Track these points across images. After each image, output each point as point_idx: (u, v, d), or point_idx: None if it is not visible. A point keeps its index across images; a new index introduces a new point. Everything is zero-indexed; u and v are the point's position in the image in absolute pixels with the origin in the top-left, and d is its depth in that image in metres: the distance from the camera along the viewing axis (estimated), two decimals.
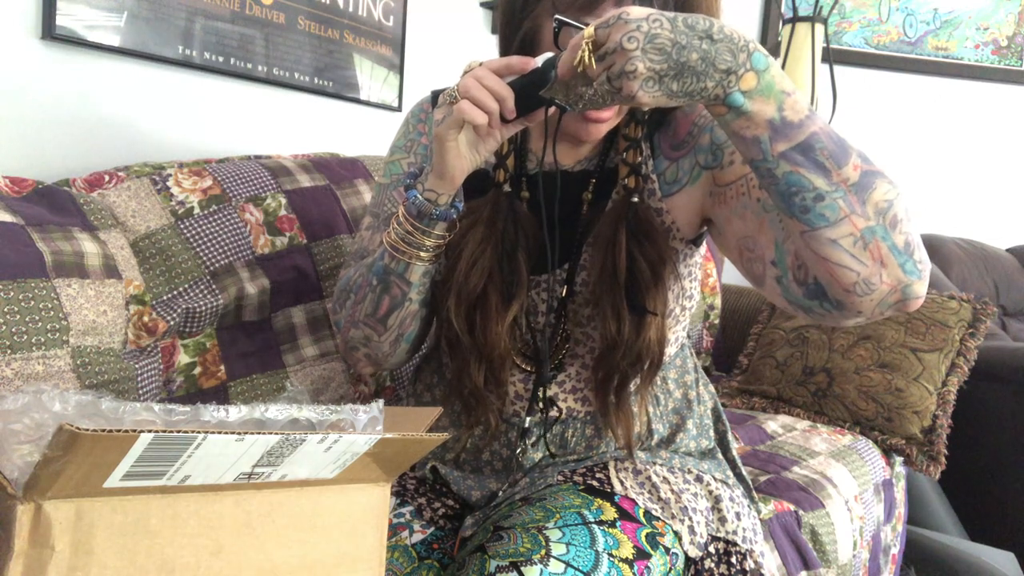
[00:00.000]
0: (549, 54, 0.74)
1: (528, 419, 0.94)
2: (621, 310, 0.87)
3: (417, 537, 0.91)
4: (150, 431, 0.51)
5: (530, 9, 0.85)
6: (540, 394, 0.94)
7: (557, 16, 0.78)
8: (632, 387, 0.92)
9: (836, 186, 0.67)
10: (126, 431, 0.50)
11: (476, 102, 0.74)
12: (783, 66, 2.18)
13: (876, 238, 0.69)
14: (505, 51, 0.91)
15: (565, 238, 0.94)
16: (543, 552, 0.75)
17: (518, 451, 0.95)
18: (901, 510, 1.60)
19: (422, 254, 0.85)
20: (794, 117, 0.66)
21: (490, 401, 0.94)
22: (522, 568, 0.73)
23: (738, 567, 0.91)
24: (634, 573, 0.79)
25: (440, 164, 0.79)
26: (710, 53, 0.63)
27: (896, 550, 1.57)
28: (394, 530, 0.90)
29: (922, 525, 1.84)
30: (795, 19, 2.16)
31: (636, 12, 0.64)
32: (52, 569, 0.53)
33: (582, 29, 0.69)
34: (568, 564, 0.75)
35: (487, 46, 2.14)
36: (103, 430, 0.49)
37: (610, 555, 0.79)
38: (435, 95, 1.06)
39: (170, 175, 1.22)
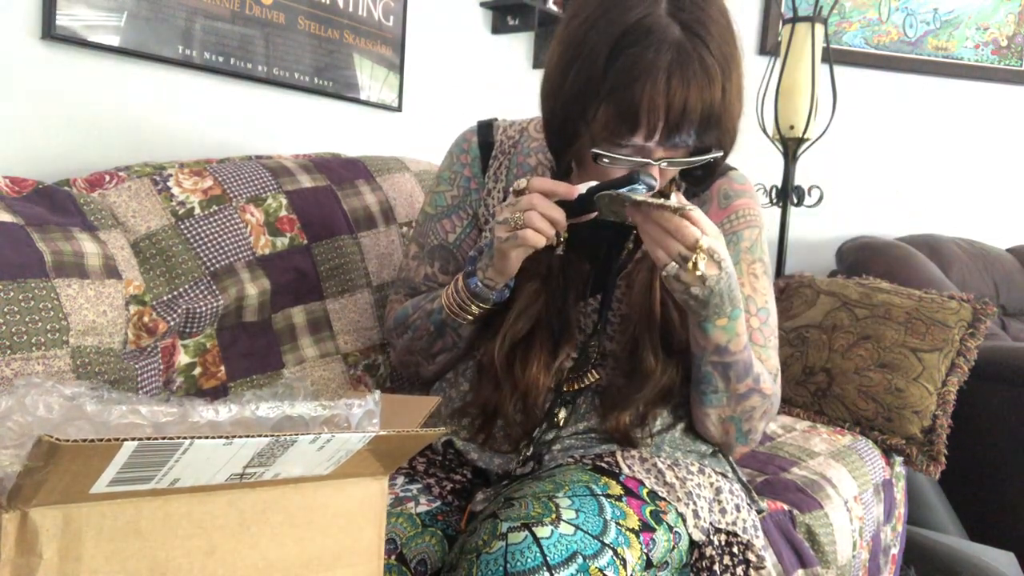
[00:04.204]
0: (592, 183, 0.87)
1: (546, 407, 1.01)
2: (657, 349, 0.98)
3: (423, 508, 0.93)
4: (134, 439, 0.49)
5: (573, 138, 0.93)
6: (557, 413, 1.01)
7: (594, 151, 0.88)
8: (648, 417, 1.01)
9: (728, 391, 0.96)
10: (108, 440, 0.48)
11: (539, 231, 0.87)
12: (783, 66, 2.18)
13: (731, 423, 1.00)
14: (558, 157, 0.99)
15: (600, 273, 1.03)
16: (554, 516, 0.78)
17: (535, 432, 0.99)
18: (901, 510, 1.60)
19: (474, 317, 1.00)
20: (733, 349, 0.92)
21: (513, 420, 1.00)
22: (533, 528, 0.76)
23: (740, 556, 0.92)
24: (640, 543, 0.82)
25: (501, 266, 0.93)
26: (723, 304, 0.88)
27: (896, 550, 1.57)
28: (400, 502, 0.93)
29: (922, 525, 1.84)
30: (795, 19, 2.16)
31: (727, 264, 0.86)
32: None
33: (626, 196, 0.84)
34: (578, 527, 0.78)
35: (487, 46, 2.14)
36: (84, 440, 0.47)
37: (617, 523, 0.82)
38: (480, 126, 1.14)
39: (171, 175, 1.23)
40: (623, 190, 0.84)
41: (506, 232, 0.89)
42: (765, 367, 1.01)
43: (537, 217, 0.87)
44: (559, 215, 0.87)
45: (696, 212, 0.83)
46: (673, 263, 0.84)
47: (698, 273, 0.83)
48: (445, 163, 1.15)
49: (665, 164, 0.88)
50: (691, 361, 0.98)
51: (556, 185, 0.88)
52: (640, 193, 0.84)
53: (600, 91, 0.85)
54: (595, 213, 0.89)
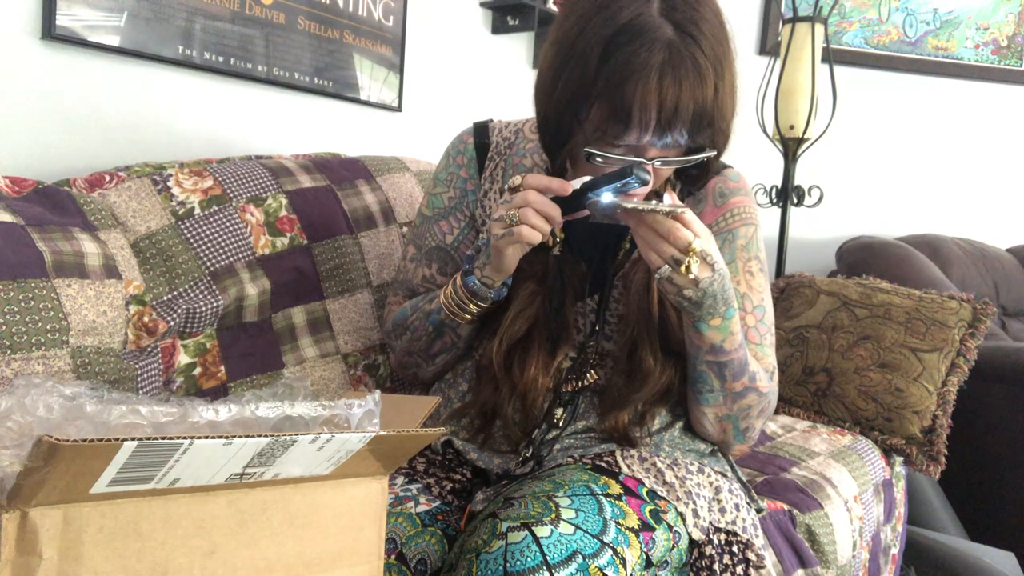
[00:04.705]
0: (586, 178, 0.88)
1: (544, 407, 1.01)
2: (655, 349, 0.98)
3: (422, 508, 0.94)
4: (134, 439, 0.49)
5: (567, 138, 0.93)
6: (558, 413, 1.01)
7: (587, 150, 0.88)
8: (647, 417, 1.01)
9: (724, 390, 0.97)
10: (108, 440, 0.48)
11: (535, 227, 0.87)
12: (783, 66, 2.18)
13: (729, 422, 1.01)
14: (552, 156, 0.98)
15: (597, 273, 1.03)
16: (553, 515, 0.78)
17: (535, 433, 0.99)
18: (901, 510, 1.60)
19: (472, 317, 1.00)
20: (728, 348, 0.93)
21: (512, 420, 1.00)
22: (533, 528, 0.76)
23: (740, 556, 0.92)
24: (640, 542, 0.82)
25: (497, 264, 0.93)
26: (716, 305, 0.89)
27: (896, 550, 1.57)
28: (400, 501, 0.94)
29: (922, 525, 1.84)
30: (795, 19, 2.16)
31: (720, 267, 0.87)
32: None
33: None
34: (577, 527, 0.78)
35: (487, 46, 2.14)
36: (84, 440, 0.47)
37: (617, 523, 0.82)
38: (476, 127, 1.14)
39: (171, 175, 1.23)
40: (616, 185, 0.84)
41: (502, 229, 0.89)
42: (761, 365, 1.01)
43: (532, 213, 0.87)
44: (554, 211, 0.88)
45: (688, 214, 0.83)
46: (666, 266, 0.84)
47: (691, 276, 0.84)
48: (441, 164, 1.15)
49: (658, 163, 0.89)
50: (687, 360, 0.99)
51: (550, 181, 0.88)
52: (634, 188, 0.84)
53: (592, 91, 0.85)
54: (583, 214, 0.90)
